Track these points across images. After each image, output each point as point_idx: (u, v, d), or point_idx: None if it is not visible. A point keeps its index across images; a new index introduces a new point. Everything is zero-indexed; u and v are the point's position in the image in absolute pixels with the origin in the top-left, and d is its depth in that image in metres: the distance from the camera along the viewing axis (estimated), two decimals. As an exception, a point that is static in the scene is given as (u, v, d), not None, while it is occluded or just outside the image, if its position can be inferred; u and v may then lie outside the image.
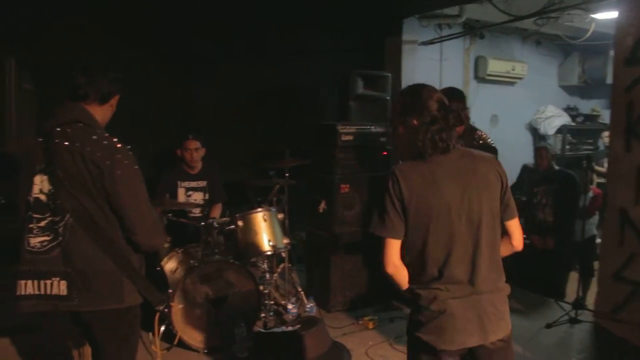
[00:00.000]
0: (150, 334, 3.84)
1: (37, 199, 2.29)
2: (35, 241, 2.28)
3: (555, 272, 5.50)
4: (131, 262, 2.35)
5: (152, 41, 5.23)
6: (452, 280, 2.08)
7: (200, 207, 4.95)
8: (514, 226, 2.27)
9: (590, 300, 4.92)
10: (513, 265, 5.71)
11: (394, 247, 2.10)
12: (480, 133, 3.69)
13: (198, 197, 4.97)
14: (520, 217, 6.31)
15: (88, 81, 2.36)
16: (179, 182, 4.91)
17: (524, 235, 5.82)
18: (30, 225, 2.29)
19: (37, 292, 2.27)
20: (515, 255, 5.98)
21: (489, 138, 3.66)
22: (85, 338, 2.58)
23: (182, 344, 3.94)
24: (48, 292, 2.26)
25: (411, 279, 2.15)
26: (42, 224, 2.28)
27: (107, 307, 2.30)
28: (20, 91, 3.68)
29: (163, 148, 5.20)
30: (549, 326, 4.47)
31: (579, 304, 4.66)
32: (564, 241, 5.39)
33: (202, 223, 4.28)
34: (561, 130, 8.63)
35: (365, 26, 6.38)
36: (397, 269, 2.13)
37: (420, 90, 2.20)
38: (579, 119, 9.08)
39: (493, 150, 3.60)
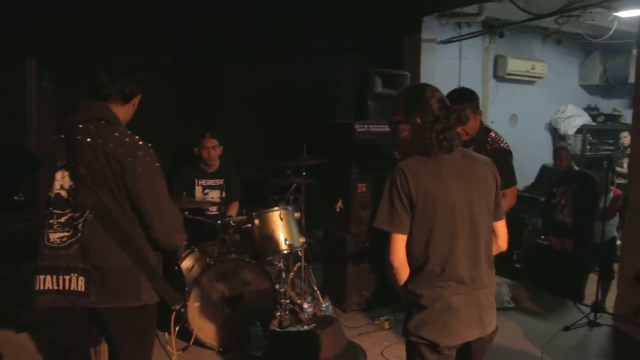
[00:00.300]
0: (167, 333, 3.88)
1: (57, 194, 2.30)
2: (54, 237, 2.28)
3: (574, 273, 5.43)
4: (149, 260, 2.35)
5: (171, 40, 5.26)
6: (454, 277, 2.11)
7: (217, 205, 4.97)
8: (502, 227, 2.36)
9: (610, 303, 4.86)
10: (531, 266, 5.73)
11: (400, 242, 2.12)
12: (493, 135, 3.53)
13: (215, 195, 4.98)
14: (538, 218, 6.26)
15: (111, 81, 2.37)
16: (196, 180, 4.93)
17: (542, 237, 5.81)
18: (51, 221, 2.29)
19: (55, 288, 2.27)
20: (534, 257, 5.94)
21: (502, 140, 3.51)
22: (101, 335, 2.59)
23: (198, 342, 3.94)
24: (66, 287, 2.26)
25: (411, 277, 2.16)
26: (62, 219, 2.28)
27: (124, 305, 2.29)
28: (40, 90, 3.71)
29: (180, 146, 5.22)
30: (567, 329, 4.41)
31: (598, 306, 4.59)
32: (583, 243, 5.32)
33: (219, 221, 4.30)
34: (581, 130, 8.54)
35: (383, 25, 6.35)
36: (403, 263, 2.14)
37: (423, 89, 2.24)
38: (600, 119, 8.98)
39: (507, 153, 3.47)
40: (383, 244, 2.17)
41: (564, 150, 5.57)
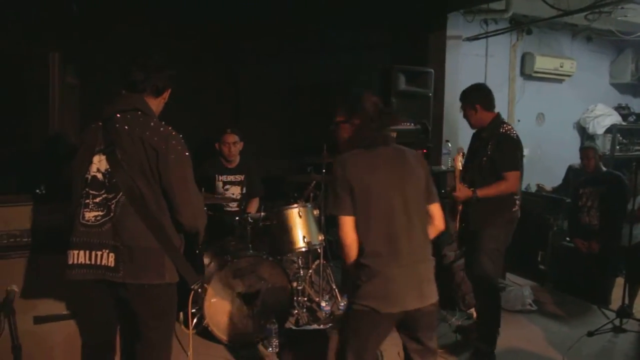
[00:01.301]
0: (181, 313, 4.00)
1: (94, 177, 2.50)
2: (89, 215, 2.48)
3: (599, 277, 5.31)
4: (173, 242, 2.52)
5: (195, 36, 5.28)
6: (393, 252, 2.44)
7: (237, 201, 4.97)
8: (436, 209, 2.69)
9: (637, 308, 4.76)
10: (556, 268, 5.61)
11: (349, 223, 2.47)
12: (505, 126, 3.88)
13: (235, 191, 4.97)
14: (563, 219, 6.12)
15: (146, 77, 2.57)
16: (217, 176, 4.93)
17: (567, 239, 5.69)
18: (87, 201, 2.49)
19: (87, 262, 2.46)
20: (559, 259, 5.81)
21: (512, 131, 3.85)
22: (121, 317, 2.74)
23: (214, 338, 3.97)
24: (98, 262, 2.45)
25: (359, 254, 2.48)
26: (97, 200, 2.48)
27: (148, 282, 2.47)
28: (63, 85, 3.74)
29: (202, 142, 5.22)
30: (591, 334, 4.29)
31: (624, 311, 4.46)
32: (609, 245, 5.19)
33: (237, 218, 4.29)
34: (611, 129, 8.34)
35: (408, 21, 6.28)
36: (353, 241, 2.48)
37: (360, 96, 2.65)
38: (631, 119, 8.77)
39: (512, 139, 3.79)
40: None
41: (591, 150, 5.44)
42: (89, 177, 2.51)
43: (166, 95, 2.72)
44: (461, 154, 3.96)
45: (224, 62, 5.55)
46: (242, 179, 4.99)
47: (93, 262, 2.46)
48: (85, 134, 2.63)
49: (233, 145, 4.86)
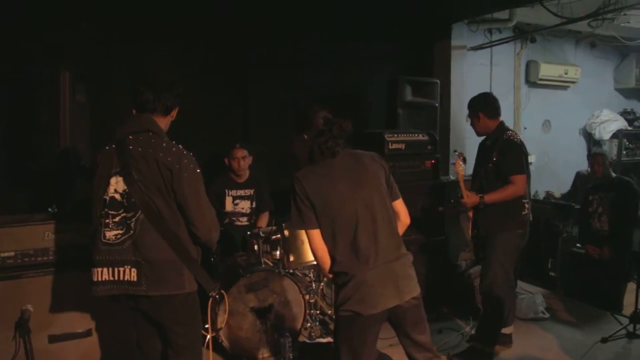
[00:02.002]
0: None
1: (112, 197, 2.62)
2: (110, 234, 2.60)
3: (611, 282, 5.28)
4: (190, 254, 2.65)
5: (203, 50, 5.34)
6: (362, 256, 2.54)
7: (247, 215, 4.98)
8: (399, 205, 2.81)
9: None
10: (567, 275, 5.59)
11: (316, 236, 2.60)
12: (509, 132, 4.02)
13: (245, 205, 5.00)
14: (573, 226, 6.11)
15: (156, 97, 2.69)
16: (226, 191, 4.95)
17: (577, 245, 5.67)
18: (107, 221, 2.61)
19: (111, 278, 2.59)
20: (569, 265, 5.78)
21: (515, 136, 4.00)
22: (140, 330, 2.81)
23: (227, 354, 3.97)
24: (120, 278, 2.58)
25: (332, 263, 2.61)
26: (117, 219, 2.60)
27: (170, 293, 2.59)
28: (73, 103, 3.78)
29: (211, 157, 5.24)
30: (604, 341, 4.29)
31: (637, 317, 4.45)
32: (621, 251, 5.17)
33: (248, 232, 4.30)
34: (617, 135, 8.34)
35: (412, 32, 6.30)
36: (324, 252, 2.61)
37: (307, 111, 2.74)
38: (637, 123, 8.77)
39: (514, 144, 3.92)
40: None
41: (601, 156, 5.43)
42: (107, 198, 2.63)
43: (174, 113, 2.81)
44: (461, 158, 4.10)
45: (232, 76, 5.57)
46: (252, 193, 5.01)
47: (116, 278, 2.58)
48: (100, 157, 2.73)
49: (242, 160, 4.88)
